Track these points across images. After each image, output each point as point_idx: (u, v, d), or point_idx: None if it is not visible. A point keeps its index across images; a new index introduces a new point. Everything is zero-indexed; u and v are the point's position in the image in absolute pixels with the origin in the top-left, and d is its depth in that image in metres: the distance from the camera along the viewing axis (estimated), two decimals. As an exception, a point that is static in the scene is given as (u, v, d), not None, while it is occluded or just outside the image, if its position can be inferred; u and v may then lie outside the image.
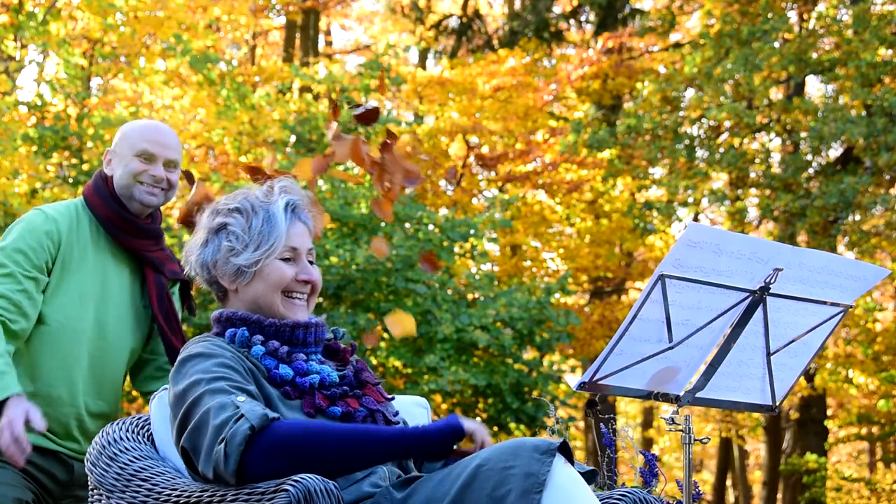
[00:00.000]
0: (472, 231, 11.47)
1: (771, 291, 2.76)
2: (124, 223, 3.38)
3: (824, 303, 2.86)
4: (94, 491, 2.65)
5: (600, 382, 2.74)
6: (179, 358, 2.57)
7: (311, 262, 2.72)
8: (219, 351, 2.55)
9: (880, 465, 22.56)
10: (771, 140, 15.35)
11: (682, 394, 2.86)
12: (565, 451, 2.35)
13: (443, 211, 14.19)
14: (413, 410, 2.97)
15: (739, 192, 15.10)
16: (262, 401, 2.51)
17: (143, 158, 3.36)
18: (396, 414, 2.73)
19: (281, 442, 2.35)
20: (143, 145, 3.36)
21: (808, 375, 14.89)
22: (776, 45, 13.59)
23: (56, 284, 3.29)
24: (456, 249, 11.70)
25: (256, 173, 3.56)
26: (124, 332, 3.41)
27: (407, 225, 11.46)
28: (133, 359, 3.49)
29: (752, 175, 14.38)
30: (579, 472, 2.37)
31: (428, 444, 2.42)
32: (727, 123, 14.31)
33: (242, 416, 2.35)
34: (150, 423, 2.73)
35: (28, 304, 3.21)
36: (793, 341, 2.89)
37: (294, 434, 2.37)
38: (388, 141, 3.48)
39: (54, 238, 3.27)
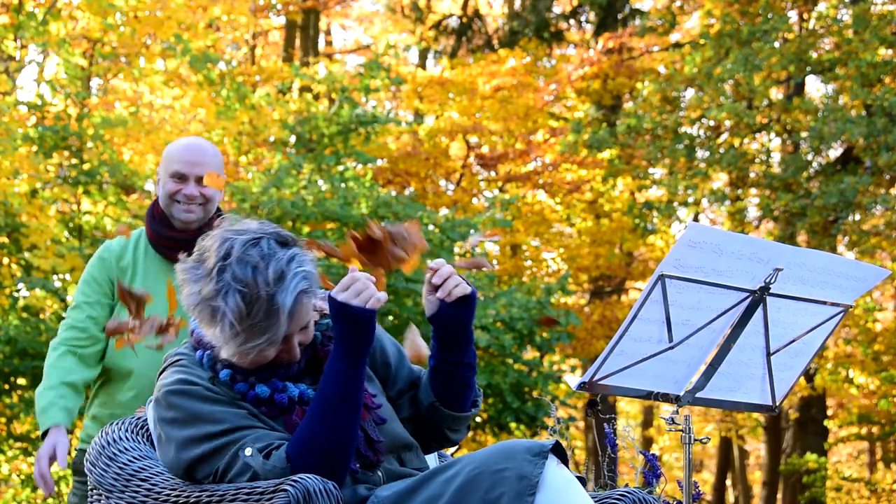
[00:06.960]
0: (472, 231, 11.47)
1: (771, 291, 2.76)
2: (165, 240, 3.57)
3: (824, 303, 2.86)
4: (94, 491, 2.64)
5: (600, 382, 2.74)
6: (166, 390, 2.52)
7: (304, 328, 2.51)
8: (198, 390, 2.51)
9: (880, 465, 22.55)
10: (771, 140, 15.34)
11: (682, 394, 2.86)
12: (559, 452, 2.35)
13: (443, 211, 14.18)
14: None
15: (739, 192, 15.08)
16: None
17: (176, 179, 3.56)
18: (384, 422, 2.61)
19: (301, 457, 2.39)
20: (175, 166, 3.56)
21: (808, 375, 14.88)
22: (776, 45, 13.57)
23: (119, 305, 3.57)
24: (456, 249, 11.69)
25: (366, 248, 2.63)
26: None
27: (407, 225, 11.44)
28: None
29: (752, 175, 14.36)
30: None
31: (352, 342, 2.42)
32: (727, 123, 14.29)
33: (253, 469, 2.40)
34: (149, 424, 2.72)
35: (97, 328, 3.53)
36: (793, 341, 2.89)
37: (300, 445, 2.40)
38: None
39: (107, 264, 3.57)
